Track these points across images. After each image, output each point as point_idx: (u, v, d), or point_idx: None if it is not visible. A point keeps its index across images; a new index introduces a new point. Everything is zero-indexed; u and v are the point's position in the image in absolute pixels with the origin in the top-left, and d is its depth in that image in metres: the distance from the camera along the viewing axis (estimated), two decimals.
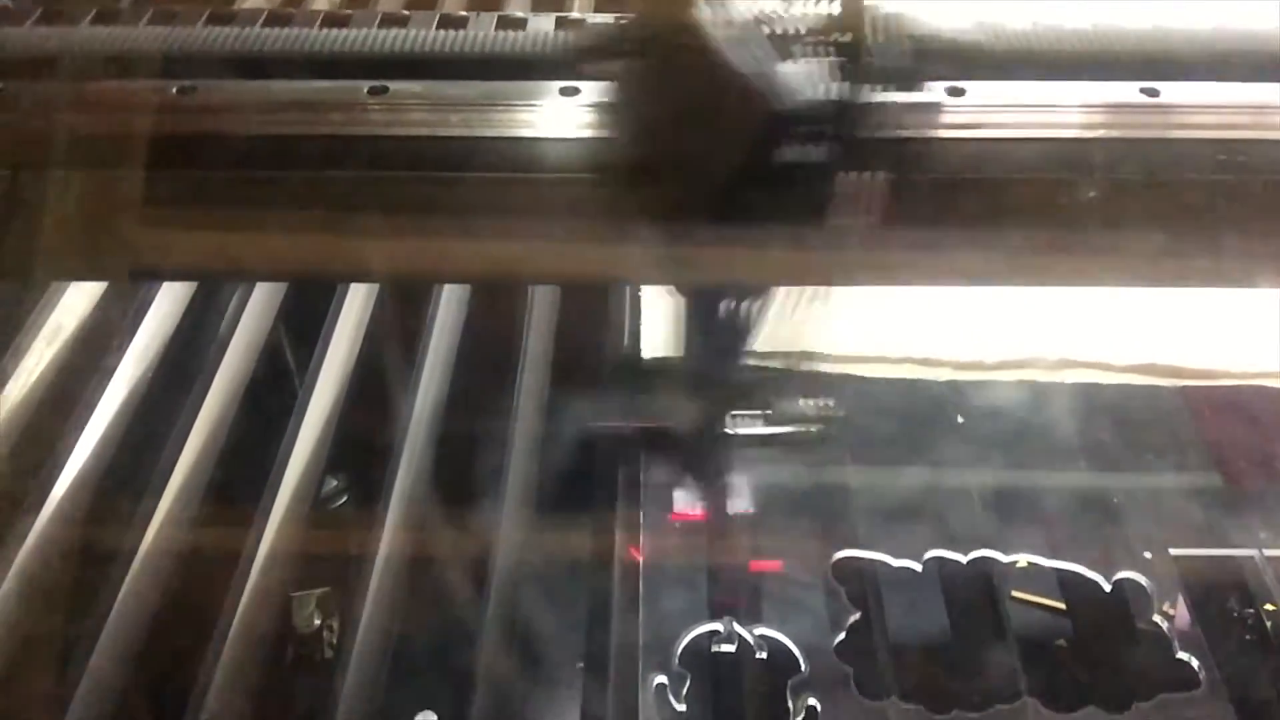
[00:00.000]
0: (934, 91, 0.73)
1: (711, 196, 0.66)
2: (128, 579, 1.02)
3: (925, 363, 1.35)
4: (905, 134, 0.71)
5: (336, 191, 0.71)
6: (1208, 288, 0.78)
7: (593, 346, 1.34)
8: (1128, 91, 0.73)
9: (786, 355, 1.28)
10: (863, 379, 1.33)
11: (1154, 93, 0.72)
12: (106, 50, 0.76)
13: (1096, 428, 1.29)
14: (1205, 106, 0.72)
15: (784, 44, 0.66)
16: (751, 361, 0.74)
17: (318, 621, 1.07)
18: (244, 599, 1.01)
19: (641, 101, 0.67)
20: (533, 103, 0.73)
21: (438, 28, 0.80)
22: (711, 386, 0.80)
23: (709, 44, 0.62)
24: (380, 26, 0.80)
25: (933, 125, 0.72)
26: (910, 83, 0.69)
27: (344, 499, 1.22)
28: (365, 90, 0.74)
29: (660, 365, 0.84)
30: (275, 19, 0.82)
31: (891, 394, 1.32)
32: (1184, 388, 1.34)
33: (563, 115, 0.73)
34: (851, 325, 1.35)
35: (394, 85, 0.74)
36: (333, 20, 0.82)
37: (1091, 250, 0.74)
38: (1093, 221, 0.72)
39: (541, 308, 1.35)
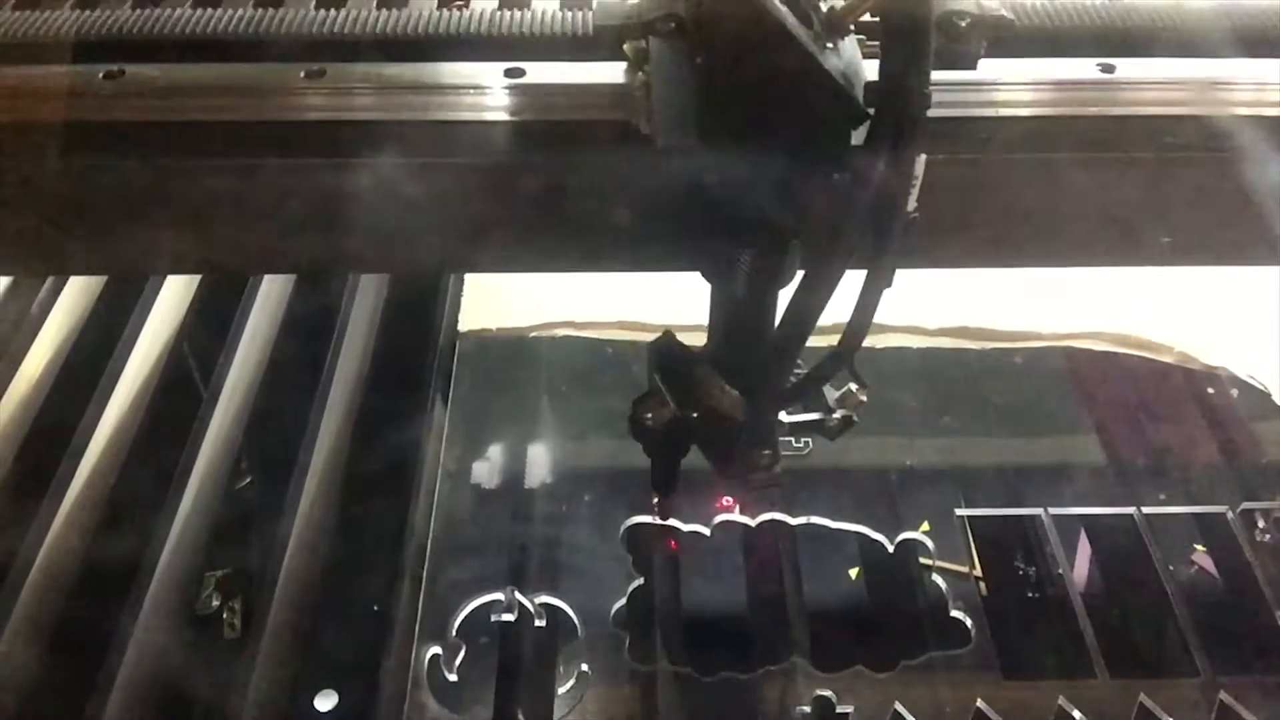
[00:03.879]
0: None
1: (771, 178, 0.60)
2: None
3: None
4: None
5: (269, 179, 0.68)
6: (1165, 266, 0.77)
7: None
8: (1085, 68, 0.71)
9: None
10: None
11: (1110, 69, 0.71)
12: (30, 35, 0.73)
13: (899, 392, 1.30)
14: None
15: (839, 22, 0.62)
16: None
17: (216, 603, 1.08)
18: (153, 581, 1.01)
19: (689, 80, 0.61)
20: (477, 84, 0.67)
21: (378, 7, 0.76)
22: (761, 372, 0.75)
23: (770, 19, 0.57)
24: (317, 7, 0.75)
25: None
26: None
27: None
28: (301, 74, 0.68)
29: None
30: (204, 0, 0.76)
31: None
32: (992, 349, 1.35)
33: (509, 98, 0.68)
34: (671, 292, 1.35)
35: (332, 68, 0.69)
36: (266, 0, 0.77)
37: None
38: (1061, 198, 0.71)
39: None
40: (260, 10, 0.73)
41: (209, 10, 0.74)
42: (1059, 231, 0.73)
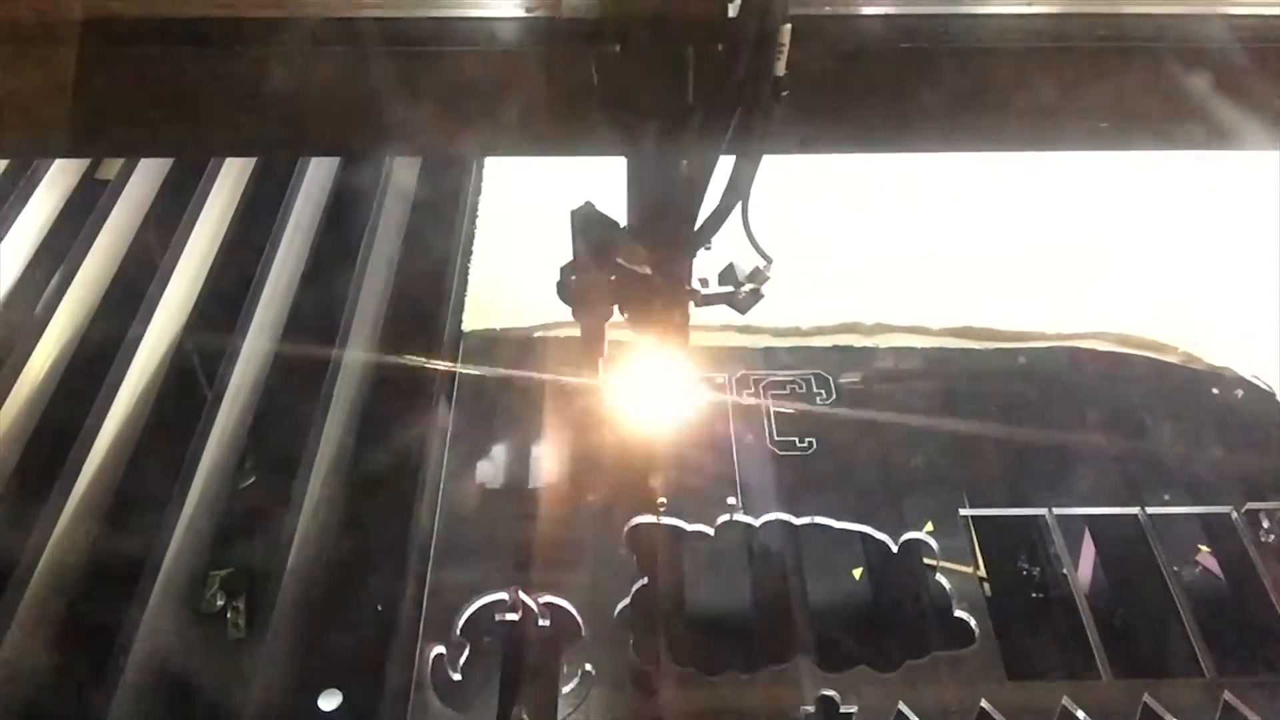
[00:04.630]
0: None
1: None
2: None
3: (744, 330, 1.36)
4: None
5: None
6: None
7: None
8: None
9: None
10: None
11: None
12: None
13: (903, 392, 1.30)
14: None
15: None
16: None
17: (221, 602, 1.07)
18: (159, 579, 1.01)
19: None
20: None
21: None
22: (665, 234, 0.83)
23: None
24: None
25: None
26: None
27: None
28: None
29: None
30: None
31: (707, 361, 1.33)
32: (996, 349, 1.35)
33: None
34: None
35: None
36: None
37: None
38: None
39: None
40: None
41: None
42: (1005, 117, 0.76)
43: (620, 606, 1.09)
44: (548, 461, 1.23)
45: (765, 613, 1.10)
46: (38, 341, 1.19)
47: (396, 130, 0.77)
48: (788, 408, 1.28)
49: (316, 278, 1.35)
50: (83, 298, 1.27)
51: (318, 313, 1.31)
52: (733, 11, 0.67)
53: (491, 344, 1.37)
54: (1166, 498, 1.19)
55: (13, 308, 1.25)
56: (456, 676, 1.04)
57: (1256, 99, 0.74)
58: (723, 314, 1.36)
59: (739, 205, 0.77)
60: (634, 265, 0.85)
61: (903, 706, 1.01)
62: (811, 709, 1.01)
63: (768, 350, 1.35)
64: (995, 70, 0.76)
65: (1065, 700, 1.01)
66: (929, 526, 1.16)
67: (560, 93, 0.74)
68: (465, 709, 1.01)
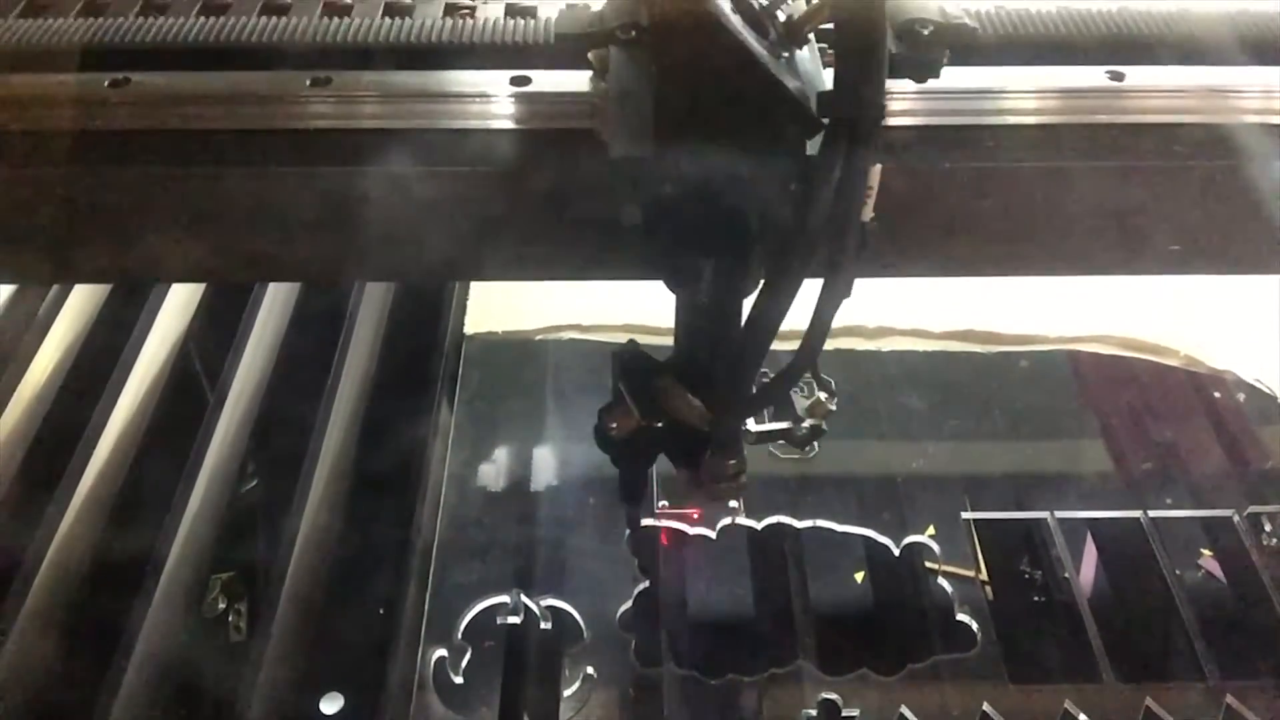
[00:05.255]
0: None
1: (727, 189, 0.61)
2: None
3: None
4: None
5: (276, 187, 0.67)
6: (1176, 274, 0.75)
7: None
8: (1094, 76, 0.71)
9: None
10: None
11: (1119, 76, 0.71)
12: (36, 43, 0.72)
13: (904, 395, 1.30)
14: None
15: (796, 30, 0.62)
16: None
17: (222, 606, 1.08)
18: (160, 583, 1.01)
19: (646, 91, 0.60)
20: (484, 93, 0.68)
21: (383, 15, 0.73)
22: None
23: (725, 32, 0.56)
24: (323, 15, 0.73)
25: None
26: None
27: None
28: (308, 82, 0.68)
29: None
30: (211, 8, 0.76)
31: None
32: (997, 353, 1.35)
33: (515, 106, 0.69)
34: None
35: (338, 76, 0.68)
36: (272, 8, 0.76)
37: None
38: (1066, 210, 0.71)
39: None
40: (265, 18, 0.74)
41: (214, 18, 0.74)
42: (1066, 238, 0.73)
43: (622, 610, 1.09)
44: (549, 465, 1.23)
45: (767, 616, 1.10)
46: (40, 344, 1.20)
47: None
48: None
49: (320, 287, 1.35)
50: (86, 300, 1.27)
51: (320, 315, 1.31)
52: (812, 148, 0.59)
53: (493, 347, 1.37)
54: (1169, 501, 1.20)
55: (16, 310, 1.25)
56: (458, 679, 1.04)
57: None
58: None
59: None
60: (685, 417, 0.74)
61: (904, 710, 1.01)
62: (813, 712, 1.01)
63: (769, 354, 1.34)
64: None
65: (1067, 704, 1.01)
66: (931, 530, 1.16)
67: (613, 222, 0.65)
68: (467, 712, 1.02)
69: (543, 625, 1.08)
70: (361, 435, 1.22)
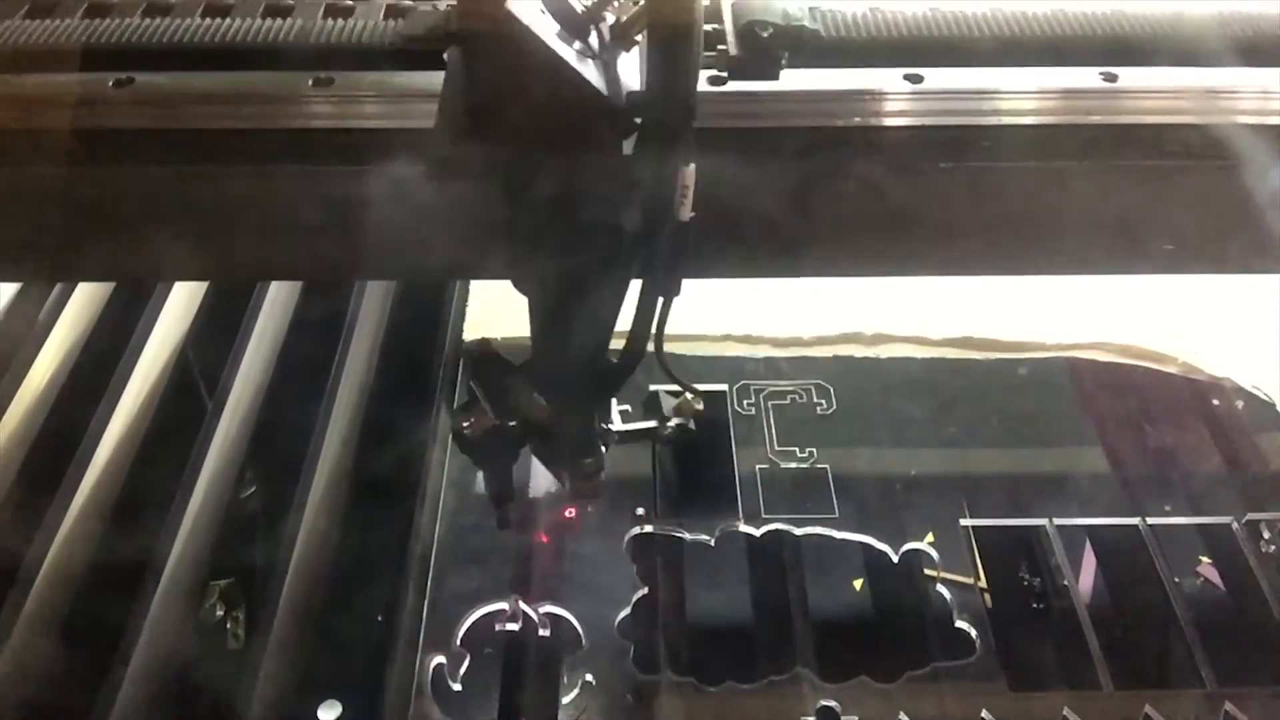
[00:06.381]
0: (891, 78, 0.70)
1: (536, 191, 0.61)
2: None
3: (744, 340, 1.36)
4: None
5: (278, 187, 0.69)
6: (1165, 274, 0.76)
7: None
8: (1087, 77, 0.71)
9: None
10: (680, 356, 1.33)
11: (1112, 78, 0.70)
12: (41, 43, 0.72)
13: (903, 402, 1.30)
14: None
15: (624, 33, 0.62)
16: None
17: (220, 613, 1.07)
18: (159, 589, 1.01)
19: (463, 92, 0.61)
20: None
21: (385, 17, 0.75)
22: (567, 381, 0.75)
23: (525, 35, 0.57)
24: (325, 16, 0.75)
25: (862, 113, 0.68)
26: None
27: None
28: (310, 82, 0.69)
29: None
30: (214, 9, 0.77)
31: (709, 372, 1.33)
32: (996, 360, 1.35)
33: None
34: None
35: (340, 76, 0.69)
36: (275, 10, 0.77)
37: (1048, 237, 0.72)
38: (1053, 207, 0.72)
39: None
40: (268, 19, 0.74)
41: (217, 19, 0.74)
42: (1060, 238, 0.74)
43: (620, 616, 1.09)
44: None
45: (765, 623, 1.10)
46: (40, 348, 1.20)
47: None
48: (788, 418, 1.28)
49: (318, 286, 1.36)
50: (86, 305, 1.27)
51: (319, 321, 1.31)
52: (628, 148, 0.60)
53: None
54: (1167, 508, 1.19)
55: (15, 314, 1.25)
56: (457, 687, 1.03)
57: None
58: (723, 322, 1.38)
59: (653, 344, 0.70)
60: (531, 414, 0.77)
61: (903, 717, 1.01)
62: (812, 719, 1.01)
63: (768, 360, 1.35)
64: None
65: (1066, 711, 1.01)
66: (930, 537, 1.16)
67: (458, 219, 0.69)
68: (465, 719, 1.01)
69: (541, 632, 1.07)
70: (360, 441, 1.22)
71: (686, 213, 0.61)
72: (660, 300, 0.66)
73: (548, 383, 0.75)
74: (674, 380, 0.76)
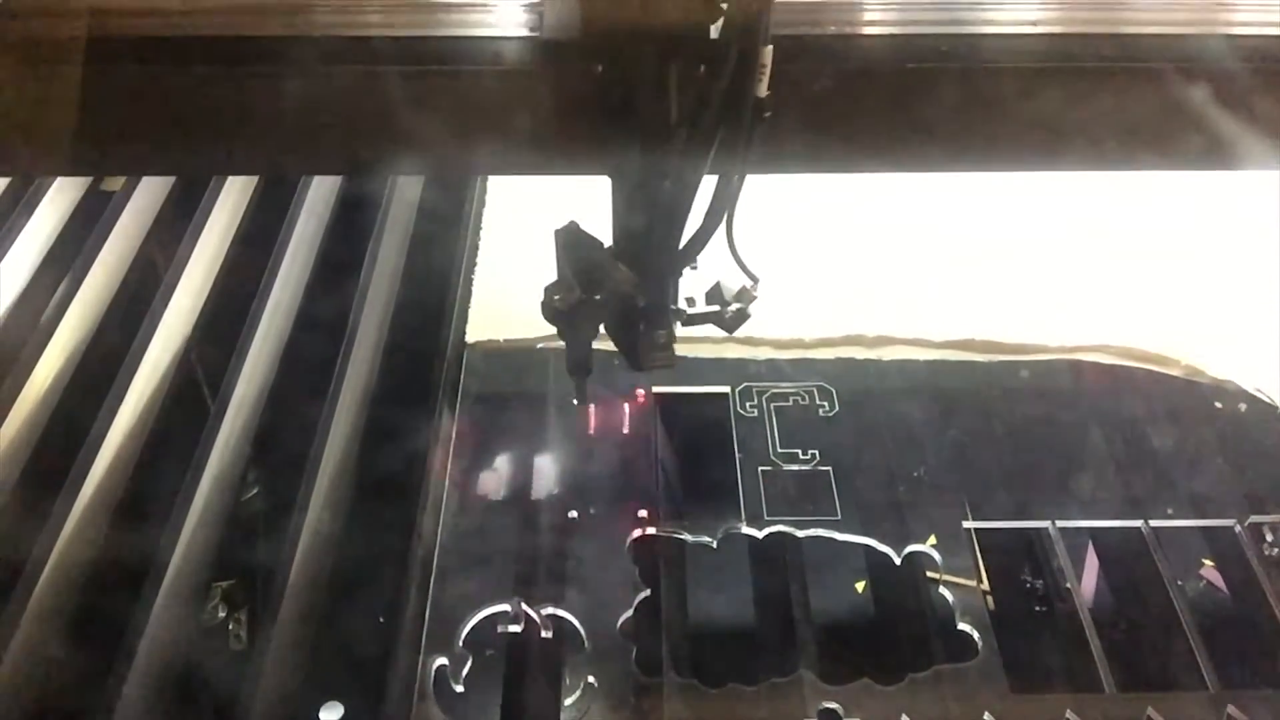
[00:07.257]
0: None
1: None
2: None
3: (746, 342, 1.36)
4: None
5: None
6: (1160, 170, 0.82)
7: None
8: None
9: None
10: (682, 358, 1.33)
11: None
12: None
13: (906, 404, 1.30)
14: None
15: None
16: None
17: (222, 614, 1.08)
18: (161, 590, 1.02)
19: None
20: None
21: None
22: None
23: None
24: None
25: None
26: None
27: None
28: None
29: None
30: None
31: (711, 373, 1.33)
32: (999, 362, 1.35)
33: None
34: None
35: None
36: None
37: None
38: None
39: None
40: None
41: None
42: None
43: (623, 618, 1.09)
44: (550, 473, 1.23)
45: (768, 625, 1.10)
46: (43, 351, 1.20)
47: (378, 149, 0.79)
48: (790, 420, 1.28)
49: (321, 289, 1.36)
50: (88, 307, 1.28)
51: (322, 324, 1.31)
52: (715, 33, 0.67)
53: (495, 355, 1.37)
54: (1170, 511, 1.19)
55: (19, 317, 1.26)
56: (459, 688, 1.03)
57: (1260, 118, 0.74)
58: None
59: (724, 226, 0.77)
60: (619, 286, 0.85)
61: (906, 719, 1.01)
62: None
63: (770, 362, 1.35)
64: (996, 89, 0.76)
65: (1068, 713, 1.01)
66: (932, 539, 1.16)
67: (545, 113, 0.76)
68: None
69: (543, 634, 1.07)
70: (363, 443, 1.22)
71: (764, 89, 0.68)
72: (735, 179, 0.74)
73: (631, 258, 0.83)
74: (740, 266, 0.83)
